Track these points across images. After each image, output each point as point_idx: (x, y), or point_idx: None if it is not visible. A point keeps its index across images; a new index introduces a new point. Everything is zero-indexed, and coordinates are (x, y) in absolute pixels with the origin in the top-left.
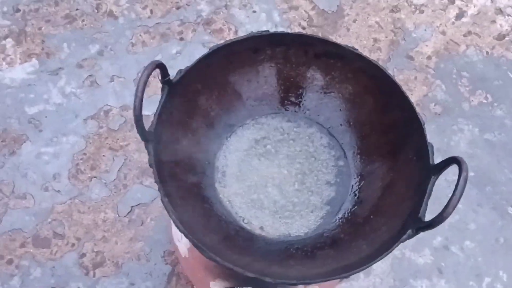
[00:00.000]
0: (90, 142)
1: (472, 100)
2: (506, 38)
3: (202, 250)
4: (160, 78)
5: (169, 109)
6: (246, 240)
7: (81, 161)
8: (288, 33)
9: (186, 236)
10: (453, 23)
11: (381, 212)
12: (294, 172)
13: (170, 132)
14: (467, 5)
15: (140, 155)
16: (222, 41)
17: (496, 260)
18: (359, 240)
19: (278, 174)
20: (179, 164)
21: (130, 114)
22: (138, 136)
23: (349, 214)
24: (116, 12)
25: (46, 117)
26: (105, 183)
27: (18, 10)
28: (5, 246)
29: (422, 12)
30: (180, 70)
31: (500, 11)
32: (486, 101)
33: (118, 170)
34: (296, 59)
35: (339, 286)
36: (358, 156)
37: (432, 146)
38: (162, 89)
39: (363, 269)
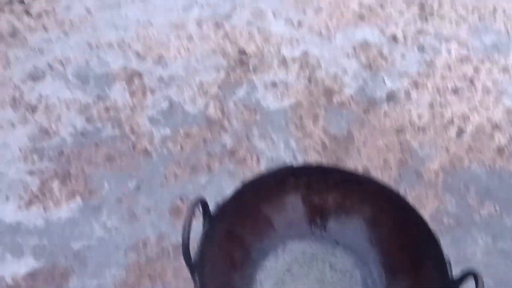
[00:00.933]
0: (130, 272)
1: (482, 212)
2: (506, 152)
3: None
4: (201, 211)
5: (210, 240)
6: None
7: None
8: (309, 166)
9: None
10: (455, 141)
11: None
12: None
13: (211, 260)
14: (465, 123)
15: (177, 282)
16: (247, 172)
17: None
18: None
19: None
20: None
21: (166, 243)
22: (174, 263)
23: None
24: (150, 150)
25: (90, 251)
26: None
27: (62, 154)
28: None
29: (425, 132)
30: (218, 204)
31: (496, 127)
32: (495, 212)
33: None
34: (318, 187)
35: None
36: (383, 273)
37: (449, 261)
38: (204, 223)
39: None
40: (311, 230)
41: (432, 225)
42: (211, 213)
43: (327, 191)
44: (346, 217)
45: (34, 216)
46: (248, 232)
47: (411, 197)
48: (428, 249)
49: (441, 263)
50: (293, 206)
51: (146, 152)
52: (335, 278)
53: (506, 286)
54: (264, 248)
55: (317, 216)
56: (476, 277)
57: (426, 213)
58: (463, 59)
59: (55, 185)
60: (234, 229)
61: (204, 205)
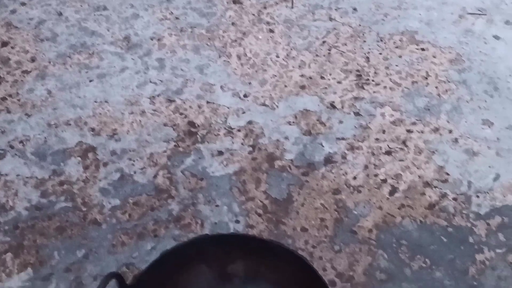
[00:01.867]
0: None
1: (413, 265)
2: (436, 207)
3: None
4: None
5: None
6: None
7: None
8: (224, 234)
9: None
10: (388, 198)
11: None
12: None
13: None
14: (398, 182)
15: None
16: (192, 235)
17: None
18: None
19: None
20: None
21: None
22: None
23: None
24: (100, 219)
25: None
26: None
27: (17, 228)
28: None
29: (359, 192)
30: (135, 276)
31: (428, 184)
32: (425, 265)
33: None
34: (235, 254)
35: None
36: None
37: None
38: None
39: None
40: None
41: (365, 280)
42: (129, 285)
43: (244, 257)
44: (262, 282)
45: None
46: None
47: (346, 253)
48: None
49: None
50: (212, 273)
51: (95, 222)
52: None
53: None
54: None
55: (235, 280)
56: None
57: (359, 268)
58: (397, 122)
59: (8, 257)
60: None
61: (119, 278)
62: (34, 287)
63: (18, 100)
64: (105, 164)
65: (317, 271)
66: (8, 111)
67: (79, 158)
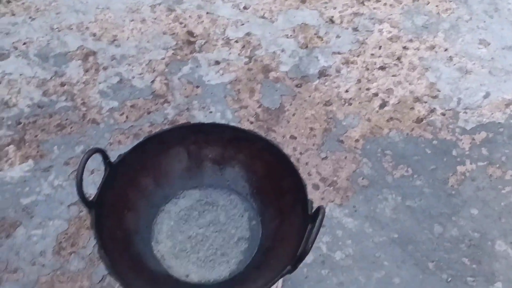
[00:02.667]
0: (71, 224)
1: (395, 174)
2: (424, 121)
3: (126, 286)
4: (102, 161)
5: (111, 185)
6: (173, 284)
7: (63, 239)
8: (205, 123)
9: (111, 274)
10: (377, 111)
11: (275, 257)
12: (215, 231)
13: (112, 202)
14: (389, 96)
15: None
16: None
17: None
18: (258, 278)
19: (202, 233)
20: (120, 227)
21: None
22: None
23: (255, 261)
24: (98, 119)
25: (37, 205)
26: (82, 257)
27: (19, 123)
28: None
29: (350, 104)
30: (120, 155)
31: (418, 99)
32: (407, 174)
33: (93, 246)
34: (214, 142)
35: None
36: (266, 216)
37: (311, 202)
38: (105, 170)
39: None
40: (209, 179)
41: (348, 185)
42: (112, 163)
43: (222, 146)
44: (239, 168)
45: None
46: (150, 181)
47: (331, 160)
48: (297, 191)
49: (305, 203)
50: (193, 158)
51: (94, 121)
52: (226, 218)
53: (410, 240)
54: (165, 195)
55: (215, 167)
56: (319, 209)
57: (343, 174)
58: (393, 38)
59: (11, 149)
60: (136, 178)
61: (104, 154)
62: (35, 177)
63: (23, 3)
64: (105, 68)
65: (290, 158)
66: (13, 14)
67: (80, 61)
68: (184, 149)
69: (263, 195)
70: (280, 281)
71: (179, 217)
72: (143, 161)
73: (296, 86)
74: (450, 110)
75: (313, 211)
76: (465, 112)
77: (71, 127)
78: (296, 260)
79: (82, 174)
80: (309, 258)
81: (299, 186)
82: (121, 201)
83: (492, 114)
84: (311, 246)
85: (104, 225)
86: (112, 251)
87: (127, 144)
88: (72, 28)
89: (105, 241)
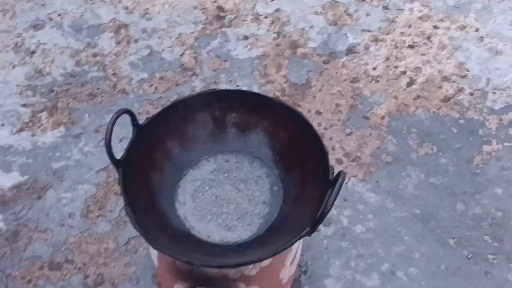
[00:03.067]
0: (100, 188)
1: (419, 151)
2: (451, 100)
3: (151, 243)
4: (131, 121)
5: (138, 146)
6: (195, 243)
7: (92, 203)
8: (230, 90)
9: (136, 229)
10: (404, 89)
11: (295, 221)
12: (238, 195)
13: (138, 163)
14: (416, 75)
15: None
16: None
17: (437, 284)
18: (278, 241)
19: (224, 197)
20: (146, 186)
21: None
22: None
23: (275, 225)
24: (128, 90)
25: (67, 170)
26: (109, 220)
27: (52, 91)
28: (26, 269)
29: (377, 81)
30: (147, 117)
31: (446, 79)
32: (431, 152)
33: (120, 210)
34: (239, 109)
35: None
36: (287, 182)
37: (333, 168)
38: (133, 130)
39: (274, 255)
40: (233, 145)
41: (371, 161)
42: (140, 124)
43: (247, 113)
44: (262, 135)
45: (23, 141)
46: (175, 145)
47: (356, 136)
48: (319, 158)
49: (326, 168)
50: (218, 125)
51: (124, 92)
52: (248, 184)
53: (432, 216)
54: (190, 159)
55: (239, 134)
56: (340, 174)
57: (367, 150)
58: (424, 18)
59: (44, 116)
60: (163, 141)
61: (131, 115)
62: (66, 142)
63: None
64: (136, 41)
65: (314, 127)
66: None
67: (112, 33)
68: (209, 115)
69: (285, 162)
70: (300, 249)
71: (203, 181)
72: (169, 125)
73: (324, 62)
74: (478, 90)
75: (333, 176)
76: (494, 93)
77: (101, 96)
78: (315, 222)
79: (111, 131)
80: (329, 231)
81: (321, 153)
82: (147, 162)
83: None
84: (330, 208)
85: (130, 184)
86: (137, 208)
87: None
88: (105, 1)
89: (131, 199)
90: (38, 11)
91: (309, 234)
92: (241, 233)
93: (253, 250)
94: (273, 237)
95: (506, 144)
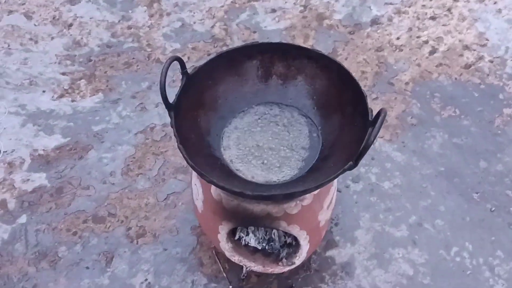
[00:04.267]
0: (138, 149)
1: (443, 114)
2: (472, 67)
3: (203, 176)
4: (180, 70)
5: (187, 92)
6: (242, 182)
7: (131, 162)
8: (271, 43)
9: (189, 164)
10: (427, 57)
11: (335, 162)
12: (279, 141)
13: (188, 108)
14: (438, 44)
15: (175, 158)
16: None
17: (463, 234)
18: (320, 178)
19: (267, 143)
20: (195, 131)
21: (169, 130)
22: (174, 144)
23: (315, 166)
24: (162, 59)
25: (107, 132)
26: (148, 178)
27: (90, 60)
28: (71, 222)
29: (401, 50)
30: (195, 67)
31: (466, 47)
32: (454, 114)
33: (159, 169)
34: (279, 61)
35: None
36: (326, 128)
37: (371, 110)
38: (182, 78)
39: (320, 187)
40: (273, 96)
41: (397, 123)
42: (189, 72)
43: (287, 65)
44: (301, 86)
45: (64, 106)
46: (219, 95)
47: (381, 101)
48: (357, 102)
49: (366, 111)
50: (259, 77)
51: (158, 61)
52: (288, 132)
53: (456, 173)
54: (233, 109)
55: (279, 85)
56: (381, 111)
57: (393, 113)
58: None
59: (82, 83)
60: (208, 90)
61: (182, 63)
62: (104, 107)
63: None
64: (168, 14)
65: (350, 72)
66: None
67: (145, 7)
68: (251, 67)
69: (323, 110)
70: (335, 195)
71: (246, 129)
72: (214, 75)
73: (349, 33)
74: (498, 57)
75: (373, 117)
76: None
77: (137, 65)
78: (358, 155)
79: (165, 75)
80: (358, 187)
81: (359, 97)
82: (195, 108)
83: None
84: (373, 141)
85: (181, 126)
86: (188, 149)
87: None
88: None
89: (182, 139)
90: None
91: (351, 168)
92: (283, 174)
93: (296, 188)
94: (314, 177)
95: None
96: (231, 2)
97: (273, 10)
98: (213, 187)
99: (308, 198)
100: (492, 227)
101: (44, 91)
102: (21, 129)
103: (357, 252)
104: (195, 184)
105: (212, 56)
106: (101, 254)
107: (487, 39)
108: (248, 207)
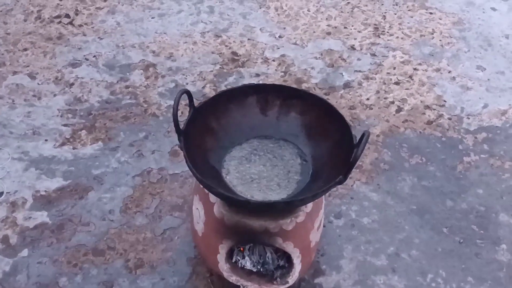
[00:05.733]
0: (136, 190)
1: (411, 161)
2: (434, 123)
3: (210, 187)
4: (188, 102)
5: (194, 122)
6: (244, 199)
7: (129, 202)
8: (266, 84)
9: (197, 176)
10: (394, 115)
11: (325, 180)
12: (274, 169)
13: (195, 135)
14: (403, 104)
15: (171, 198)
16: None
17: (436, 262)
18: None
19: (264, 170)
20: (200, 155)
21: (165, 173)
22: (170, 185)
23: (308, 186)
24: (157, 113)
25: (106, 175)
26: (146, 215)
27: (90, 114)
28: (72, 255)
29: (371, 109)
30: (200, 102)
31: (428, 107)
32: (421, 161)
33: (156, 207)
34: (272, 100)
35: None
36: (315, 155)
37: (355, 136)
38: (189, 109)
39: (316, 198)
40: (267, 130)
41: (371, 168)
42: (195, 106)
43: (279, 104)
44: (292, 122)
45: (65, 152)
46: (220, 128)
47: None
48: (342, 132)
49: (350, 137)
50: (255, 113)
51: (154, 115)
52: (281, 160)
53: (426, 210)
54: (232, 141)
55: (272, 121)
56: (365, 133)
57: (367, 160)
58: (405, 62)
59: (83, 133)
60: (210, 123)
61: (190, 96)
62: (104, 154)
63: (92, 27)
64: (163, 76)
65: (336, 108)
66: (84, 34)
67: (141, 71)
68: (249, 104)
69: (313, 140)
70: (322, 220)
71: (244, 158)
72: (215, 112)
73: (325, 94)
74: (455, 115)
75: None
76: (468, 118)
77: (134, 118)
78: (347, 169)
79: (177, 105)
80: (340, 222)
81: (344, 128)
82: (201, 136)
83: (491, 120)
84: (360, 154)
85: (188, 149)
86: (196, 169)
87: None
88: (135, 46)
89: (191, 160)
90: (75, 53)
91: (341, 182)
92: (280, 195)
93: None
94: (308, 195)
95: (482, 155)
96: (220, 67)
97: (257, 75)
98: (216, 206)
99: (301, 215)
100: (462, 256)
101: (46, 140)
102: (24, 172)
103: (342, 279)
104: (197, 208)
105: (215, 94)
106: (100, 283)
107: (444, 101)
108: (247, 222)
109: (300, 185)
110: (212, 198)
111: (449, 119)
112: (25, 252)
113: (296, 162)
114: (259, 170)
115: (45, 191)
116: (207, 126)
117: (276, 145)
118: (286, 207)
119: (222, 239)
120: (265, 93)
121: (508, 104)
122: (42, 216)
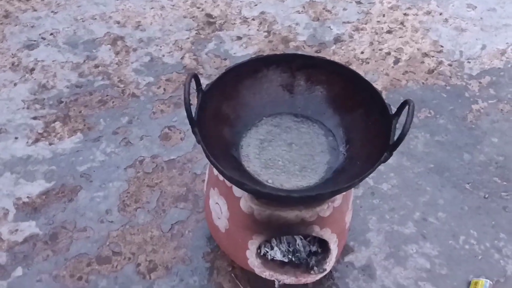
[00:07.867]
0: (131, 183)
1: (420, 116)
2: (435, 72)
3: (243, 184)
4: (195, 87)
5: (203, 108)
6: (275, 191)
7: (126, 198)
8: (275, 54)
9: (225, 175)
10: (393, 67)
11: (360, 159)
12: (298, 150)
13: (209, 124)
14: (400, 54)
15: (172, 187)
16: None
17: (465, 222)
18: (348, 179)
19: (286, 152)
20: (218, 146)
21: (159, 160)
22: (168, 174)
23: (339, 168)
24: (137, 93)
25: (94, 171)
26: (148, 211)
27: (61, 102)
28: (74, 267)
29: (368, 63)
30: (207, 84)
31: (426, 55)
32: (430, 115)
33: (157, 200)
34: (284, 72)
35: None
36: (341, 130)
37: (390, 105)
38: (198, 94)
39: (361, 180)
40: (282, 107)
41: None
42: (203, 89)
43: (292, 75)
44: (308, 94)
45: (41, 150)
46: (231, 110)
47: None
48: (371, 101)
49: (383, 107)
50: (267, 89)
51: (134, 95)
52: (302, 141)
53: (444, 168)
54: (246, 123)
55: (286, 95)
56: (408, 102)
57: None
58: (394, 8)
59: (58, 125)
60: (220, 106)
61: (196, 80)
62: (86, 147)
63: (42, 0)
64: (134, 50)
65: (359, 74)
66: (34, 10)
67: (109, 45)
68: (258, 81)
69: (337, 113)
70: (352, 198)
71: (261, 140)
72: (224, 92)
73: (316, 52)
74: (455, 61)
75: (394, 111)
76: (469, 62)
77: (113, 102)
78: (393, 145)
79: (189, 93)
80: (359, 192)
81: (374, 96)
82: (215, 123)
83: (491, 61)
84: (409, 128)
85: (207, 141)
86: (214, 155)
87: (169, 113)
88: (95, 18)
89: (209, 150)
90: (29, 32)
91: (386, 159)
92: (310, 179)
93: (339, 185)
94: (342, 177)
95: (490, 101)
96: (196, 33)
97: (239, 38)
98: (242, 201)
99: (338, 199)
100: (490, 212)
101: (16, 138)
102: None
103: (374, 254)
104: (217, 203)
105: (224, 71)
106: None
107: (441, 46)
108: (282, 215)
109: (331, 165)
110: (238, 192)
111: (450, 65)
112: (19, 271)
113: (320, 140)
114: (280, 152)
115: (28, 197)
116: (219, 110)
117: (294, 121)
118: (330, 197)
119: (252, 235)
120: (273, 66)
121: (506, 43)
122: (30, 227)
